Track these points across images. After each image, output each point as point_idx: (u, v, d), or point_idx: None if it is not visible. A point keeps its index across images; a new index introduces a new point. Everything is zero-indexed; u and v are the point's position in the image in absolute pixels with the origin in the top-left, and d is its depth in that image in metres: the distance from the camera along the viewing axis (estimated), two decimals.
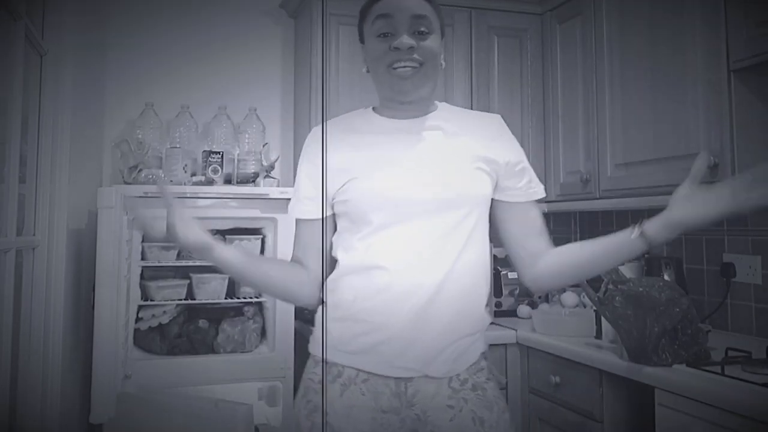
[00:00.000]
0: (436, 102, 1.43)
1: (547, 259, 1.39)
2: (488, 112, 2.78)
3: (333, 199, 1.36)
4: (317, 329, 1.38)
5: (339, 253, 1.37)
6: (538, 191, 1.43)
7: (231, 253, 1.35)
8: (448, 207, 1.30)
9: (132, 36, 2.90)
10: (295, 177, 1.47)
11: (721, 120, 1.98)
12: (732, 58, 1.94)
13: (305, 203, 1.40)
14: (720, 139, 1.98)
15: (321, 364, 1.33)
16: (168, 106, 2.78)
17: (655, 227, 1.25)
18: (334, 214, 1.39)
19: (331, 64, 2.70)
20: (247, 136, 2.79)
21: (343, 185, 1.33)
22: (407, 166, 1.32)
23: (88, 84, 2.42)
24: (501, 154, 1.37)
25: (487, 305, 1.38)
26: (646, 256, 2.53)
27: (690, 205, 1.21)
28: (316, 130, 1.41)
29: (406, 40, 1.28)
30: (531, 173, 1.42)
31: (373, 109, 1.42)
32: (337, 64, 2.70)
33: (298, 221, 1.44)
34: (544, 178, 2.85)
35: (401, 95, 1.32)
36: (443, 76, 2.69)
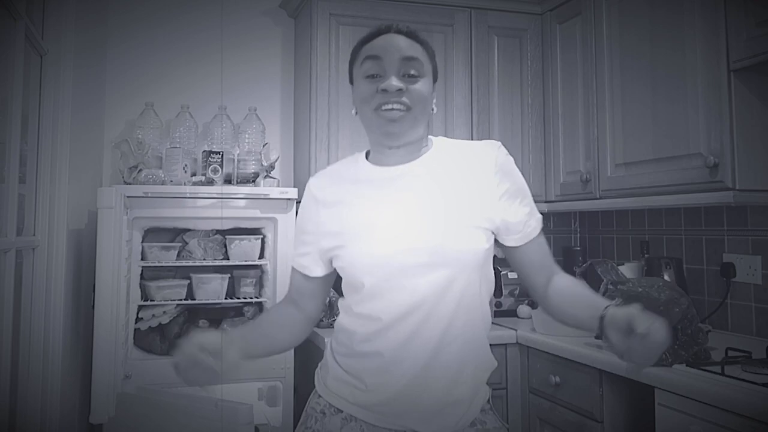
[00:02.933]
0: (431, 138, 1.36)
1: (550, 293, 1.34)
2: (488, 111, 2.82)
3: (329, 260, 1.35)
4: (323, 364, 1.39)
5: (339, 309, 1.38)
6: (538, 226, 1.34)
7: (236, 356, 1.25)
8: (444, 265, 1.24)
9: (132, 36, 2.90)
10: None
11: (721, 120, 1.98)
12: (732, 58, 1.95)
13: (303, 258, 1.38)
14: (720, 139, 1.98)
15: (323, 397, 1.34)
16: (168, 106, 2.78)
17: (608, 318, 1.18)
18: (328, 275, 1.39)
19: (331, 64, 2.70)
20: (247, 136, 2.79)
21: (334, 249, 1.31)
22: (397, 226, 1.26)
23: (88, 84, 2.42)
24: (498, 200, 1.29)
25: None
26: (646, 256, 2.53)
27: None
28: (312, 183, 1.40)
29: (395, 82, 1.23)
30: (531, 206, 1.34)
31: (366, 154, 1.37)
32: (337, 65, 2.70)
33: (293, 270, 1.42)
34: (543, 178, 2.86)
35: (389, 139, 1.27)
36: (443, 77, 2.69)
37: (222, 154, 2.63)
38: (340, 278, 1.36)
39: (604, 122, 2.50)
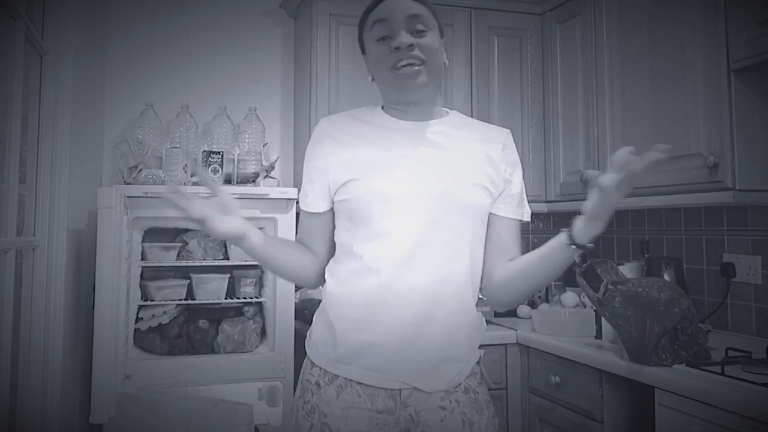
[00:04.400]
0: (447, 110, 1.44)
1: (498, 272, 1.39)
2: (488, 111, 2.81)
3: (333, 194, 1.37)
4: (314, 328, 1.40)
5: (336, 252, 1.39)
6: (526, 214, 1.43)
7: (257, 241, 1.34)
8: (447, 214, 1.31)
9: (132, 36, 2.90)
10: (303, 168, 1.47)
11: (721, 120, 1.98)
12: (732, 58, 1.95)
13: (309, 195, 1.41)
14: (720, 139, 1.98)
15: (316, 366, 1.35)
16: (168, 106, 2.78)
17: (577, 222, 1.23)
18: (332, 209, 1.41)
19: (331, 64, 2.70)
20: (247, 136, 2.79)
21: (344, 184, 1.34)
22: (410, 170, 1.32)
23: (88, 84, 2.42)
24: (502, 172, 1.38)
25: (477, 307, 1.38)
26: (646, 256, 2.53)
27: (601, 193, 1.16)
28: (324, 121, 1.43)
29: (405, 38, 1.29)
30: (524, 195, 1.44)
31: (382, 107, 1.43)
32: (337, 64, 2.70)
33: (302, 212, 1.46)
34: (544, 178, 2.86)
35: (407, 94, 1.33)
36: (443, 76, 2.69)
37: (222, 154, 2.63)
38: None
39: (604, 122, 2.50)
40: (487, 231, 1.39)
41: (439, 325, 1.29)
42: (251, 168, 2.69)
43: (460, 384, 1.34)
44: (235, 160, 2.68)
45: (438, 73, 1.36)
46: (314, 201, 1.40)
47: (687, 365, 1.73)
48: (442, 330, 1.30)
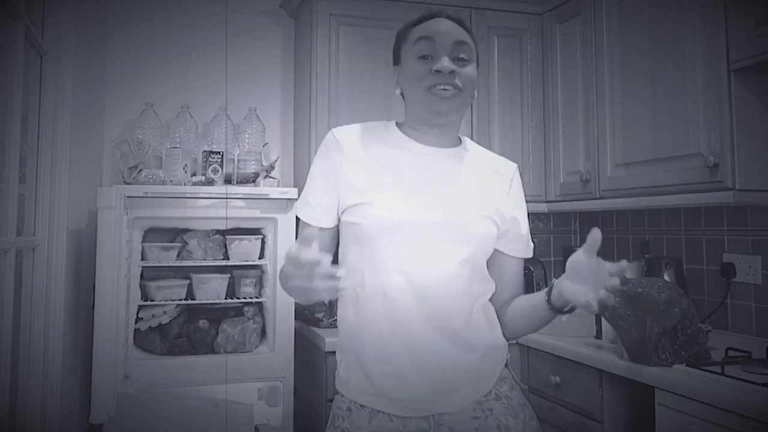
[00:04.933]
0: (460, 137, 1.43)
1: (499, 310, 1.40)
2: (488, 111, 2.81)
3: (342, 212, 1.33)
4: (341, 371, 1.36)
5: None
6: (529, 251, 1.44)
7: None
8: (456, 243, 1.29)
9: (132, 36, 2.90)
10: (307, 176, 1.41)
11: (721, 120, 1.98)
12: (732, 58, 1.95)
13: (315, 209, 1.35)
14: (720, 139, 1.98)
15: (347, 402, 1.33)
16: (168, 106, 2.78)
17: (554, 292, 1.24)
18: (337, 227, 1.37)
19: (331, 64, 2.70)
20: (247, 136, 2.79)
21: (355, 206, 1.30)
22: (423, 198, 1.30)
23: (88, 84, 2.42)
24: (510, 209, 1.38)
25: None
26: (646, 256, 2.53)
27: (575, 276, 1.17)
28: (337, 132, 1.36)
29: (448, 63, 1.28)
30: (528, 232, 1.43)
31: (397, 124, 1.40)
32: (337, 65, 2.70)
33: (302, 223, 1.38)
34: (544, 178, 2.86)
35: (436, 116, 1.31)
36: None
37: (222, 154, 2.63)
38: None
39: (604, 122, 2.50)
40: (496, 270, 1.38)
41: (463, 350, 1.29)
42: (251, 168, 2.69)
43: (490, 392, 1.33)
44: (235, 160, 2.68)
45: (468, 103, 1.36)
46: (322, 217, 1.34)
47: (687, 365, 1.73)
48: (463, 356, 1.29)
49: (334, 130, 1.38)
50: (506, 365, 1.39)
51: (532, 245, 1.45)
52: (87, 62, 2.39)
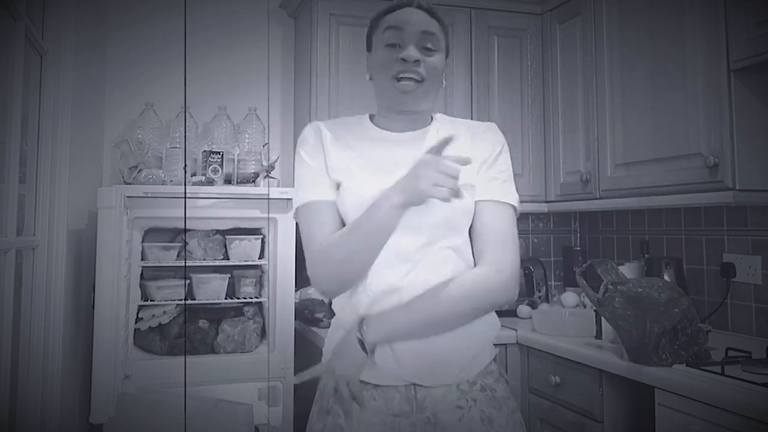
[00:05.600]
0: (432, 115, 1.44)
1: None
2: (488, 111, 2.81)
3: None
4: (329, 340, 1.39)
5: None
6: (504, 196, 1.36)
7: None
8: (434, 224, 1.31)
9: (132, 36, 2.90)
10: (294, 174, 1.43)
11: (721, 120, 1.98)
12: (732, 58, 1.95)
13: (317, 187, 1.35)
14: (720, 139, 1.98)
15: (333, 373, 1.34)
16: (168, 106, 2.78)
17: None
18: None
19: (331, 64, 2.70)
20: (247, 136, 2.79)
21: (338, 185, 1.34)
22: (392, 180, 1.28)
23: (88, 84, 2.42)
24: (480, 154, 1.36)
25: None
26: (646, 256, 2.53)
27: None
28: (315, 123, 1.42)
29: (413, 52, 1.31)
30: (502, 174, 1.37)
31: (370, 117, 1.44)
32: (337, 65, 2.70)
33: (312, 204, 1.35)
34: (543, 178, 2.85)
35: (399, 105, 1.35)
36: (439, 93, 2.69)
37: (222, 154, 2.63)
38: None
39: (604, 122, 2.50)
40: (474, 222, 1.37)
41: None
42: (251, 168, 2.69)
43: (476, 382, 1.34)
44: (235, 160, 2.69)
45: (435, 92, 1.38)
46: (329, 190, 1.35)
47: (687, 365, 1.73)
48: (451, 332, 1.30)
49: (316, 121, 1.44)
50: (494, 360, 1.40)
51: (513, 194, 1.37)
52: (87, 62, 2.39)
